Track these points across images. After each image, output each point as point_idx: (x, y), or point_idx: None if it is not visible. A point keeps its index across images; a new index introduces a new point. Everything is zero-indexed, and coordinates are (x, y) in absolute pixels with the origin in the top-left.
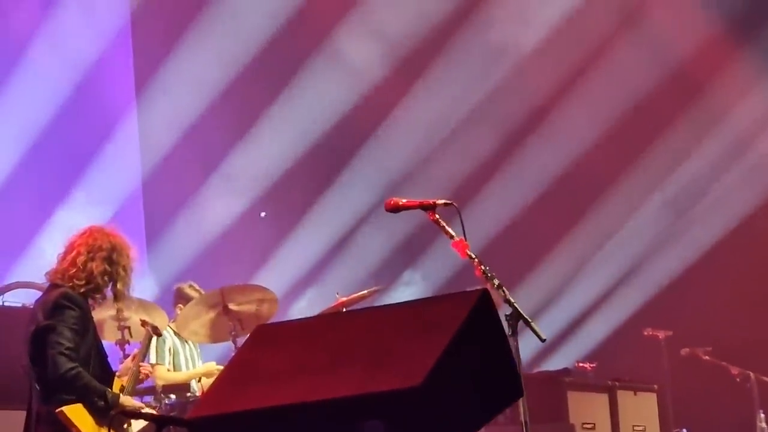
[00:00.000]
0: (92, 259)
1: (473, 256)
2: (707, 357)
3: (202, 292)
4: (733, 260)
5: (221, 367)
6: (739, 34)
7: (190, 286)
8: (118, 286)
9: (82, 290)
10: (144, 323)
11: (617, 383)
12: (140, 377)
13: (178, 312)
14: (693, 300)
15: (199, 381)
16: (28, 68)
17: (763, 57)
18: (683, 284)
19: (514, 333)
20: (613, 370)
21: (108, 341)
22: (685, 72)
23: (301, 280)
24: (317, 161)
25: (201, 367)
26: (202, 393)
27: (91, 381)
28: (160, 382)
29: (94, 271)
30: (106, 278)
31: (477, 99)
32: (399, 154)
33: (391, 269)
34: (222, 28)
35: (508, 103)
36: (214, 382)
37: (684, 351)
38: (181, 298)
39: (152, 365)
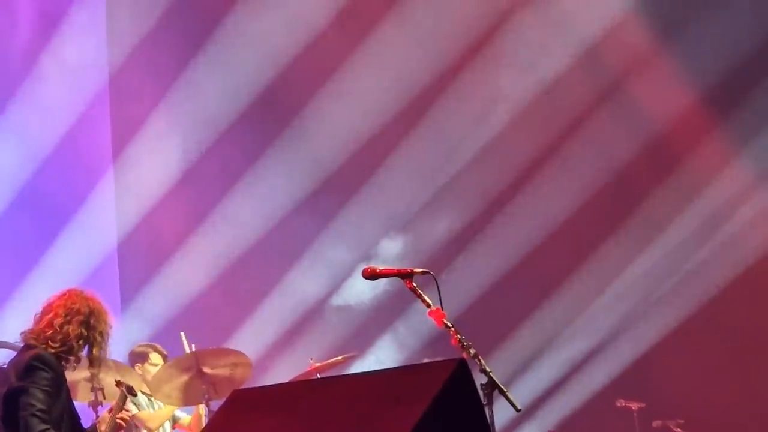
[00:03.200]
0: (69, 322)
1: (450, 325)
2: (679, 429)
3: (158, 347)
4: (707, 333)
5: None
6: (717, 108)
7: (139, 345)
8: (94, 351)
9: (56, 352)
10: (119, 383)
11: None
12: (120, 423)
13: (139, 372)
14: (666, 372)
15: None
16: (4, 128)
17: (741, 131)
18: (656, 356)
19: (490, 402)
20: None
21: (81, 402)
22: (662, 145)
23: (276, 344)
24: (296, 226)
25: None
26: None
27: None
28: (151, 424)
29: (70, 334)
30: (81, 342)
31: (454, 169)
32: (377, 218)
33: (366, 334)
34: (202, 91)
35: (486, 173)
36: None
37: (656, 423)
38: (137, 357)
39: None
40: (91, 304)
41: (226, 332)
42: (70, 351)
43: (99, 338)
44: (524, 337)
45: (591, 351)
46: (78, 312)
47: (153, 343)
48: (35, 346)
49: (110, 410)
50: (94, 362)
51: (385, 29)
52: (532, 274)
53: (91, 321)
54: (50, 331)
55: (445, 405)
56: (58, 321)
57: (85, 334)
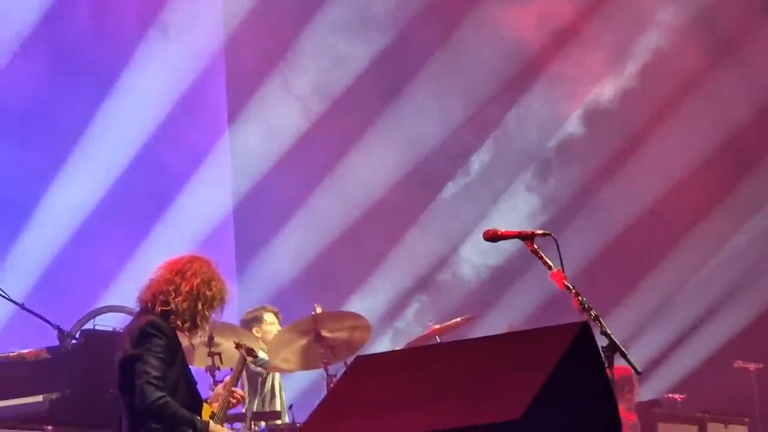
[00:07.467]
0: (180, 288)
1: (571, 287)
2: None
3: (267, 306)
4: None
5: None
6: None
7: (248, 311)
8: (198, 320)
9: (169, 318)
10: (238, 345)
11: (707, 415)
12: (232, 402)
13: (257, 334)
14: None
15: (290, 408)
16: (122, 93)
17: None
18: None
19: (610, 365)
20: (703, 401)
21: (198, 367)
22: None
23: (395, 306)
24: (416, 184)
25: None
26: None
27: (179, 410)
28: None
29: (180, 300)
30: (172, 290)
31: (565, 133)
32: (492, 183)
33: (481, 298)
34: (319, 50)
35: (598, 138)
36: (313, 413)
37: None
38: (252, 321)
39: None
40: (204, 270)
41: (345, 294)
42: (181, 317)
43: (206, 306)
44: (641, 299)
45: (708, 312)
46: (191, 278)
47: (262, 305)
48: (149, 312)
49: (225, 385)
50: (195, 328)
51: None
52: (647, 235)
53: (202, 288)
54: (162, 297)
55: (569, 369)
56: (171, 287)
57: (195, 300)
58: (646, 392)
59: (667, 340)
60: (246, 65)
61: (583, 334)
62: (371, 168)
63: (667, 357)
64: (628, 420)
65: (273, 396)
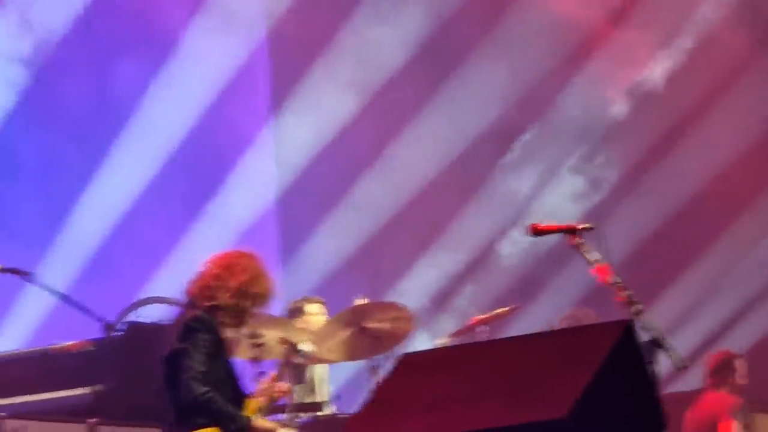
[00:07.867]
0: (228, 284)
1: (615, 281)
2: None
3: (310, 297)
4: None
5: None
6: None
7: (291, 303)
8: (243, 316)
9: (215, 313)
10: (284, 341)
11: (752, 405)
12: (275, 396)
13: (300, 326)
14: None
15: (334, 399)
16: (165, 84)
17: None
18: None
19: (655, 361)
20: (748, 391)
21: (241, 359)
22: None
23: (441, 293)
24: (462, 167)
25: None
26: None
27: (224, 405)
28: None
29: (227, 296)
30: (236, 302)
31: (613, 120)
32: (539, 164)
33: (528, 284)
34: (365, 35)
35: (644, 125)
36: (359, 411)
37: None
38: (294, 313)
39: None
40: (251, 266)
41: (391, 282)
42: (227, 312)
43: (250, 303)
44: (687, 285)
45: (750, 302)
46: (238, 274)
47: (306, 296)
48: (194, 306)
49: (273, 378)
50: (239, 324)
51: None
52: (694, 219)
53: (248, 285)
54: (208, 292)
55: (614, 367)
56: (217, 282)
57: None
58: (691, 381)
59: (713, 327)
60: (290, 53)
61: (627, 331)
62: (417, 153)
63: (708, 346)
64: (727, 403)
65: (314, 387)
